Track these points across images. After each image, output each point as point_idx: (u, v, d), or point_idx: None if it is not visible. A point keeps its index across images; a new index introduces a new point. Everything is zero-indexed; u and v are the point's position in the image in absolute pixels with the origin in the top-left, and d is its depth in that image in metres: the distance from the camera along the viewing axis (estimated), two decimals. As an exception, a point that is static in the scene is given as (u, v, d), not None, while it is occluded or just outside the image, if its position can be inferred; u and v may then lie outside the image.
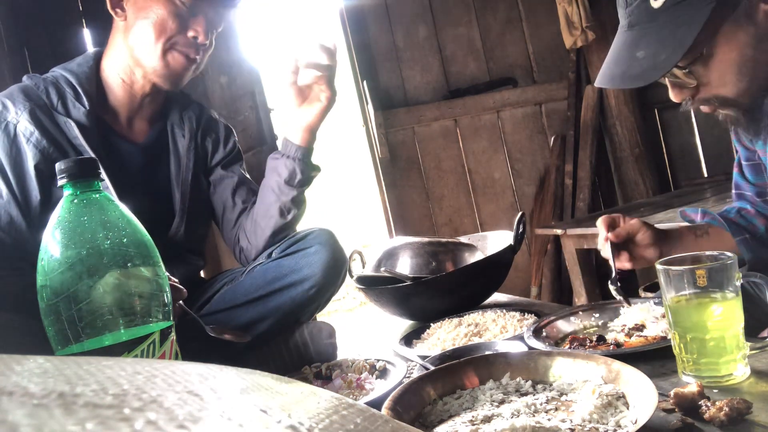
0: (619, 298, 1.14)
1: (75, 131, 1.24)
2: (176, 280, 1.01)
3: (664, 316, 1.03)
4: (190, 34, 1.28)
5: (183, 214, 1.40)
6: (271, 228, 1.39)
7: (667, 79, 0.99)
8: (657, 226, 1.22)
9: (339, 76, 1.34)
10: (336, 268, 1.32)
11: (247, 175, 1.52)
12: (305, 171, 1.36)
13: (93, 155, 1.24)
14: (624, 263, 1.18)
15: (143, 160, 1.38)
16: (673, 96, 1.02)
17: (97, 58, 1.34)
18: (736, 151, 1.23)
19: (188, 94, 1.50)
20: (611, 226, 1.18)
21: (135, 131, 1.38)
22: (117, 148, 1.33)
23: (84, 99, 1.26)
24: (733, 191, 1.28)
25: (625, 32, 1.00)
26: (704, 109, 1.02)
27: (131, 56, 1.29)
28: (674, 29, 0.92)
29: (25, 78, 1.29)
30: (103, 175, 1.24)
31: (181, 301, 1.05)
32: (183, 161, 1.41)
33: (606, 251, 1.18)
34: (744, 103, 0.98)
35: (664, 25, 0.93)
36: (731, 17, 0.91)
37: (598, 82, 1.01)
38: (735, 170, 1.26)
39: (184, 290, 1.01)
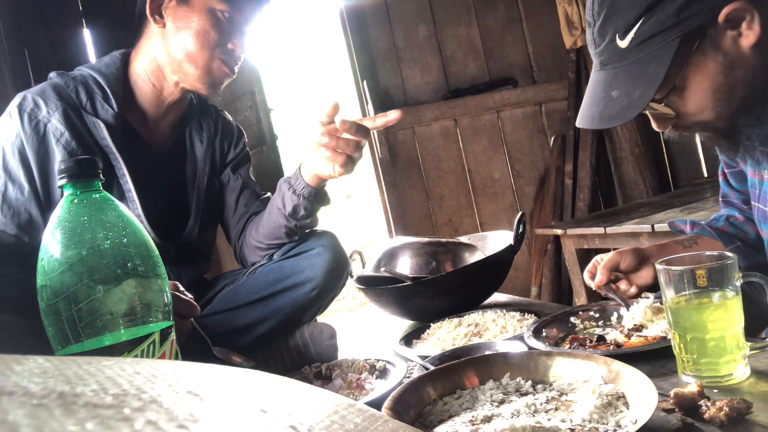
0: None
1: (103, 132, 1.24)
2: (191, 296, 1.01)
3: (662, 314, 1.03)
4: (230, 46, 1.30)
5: (197, 216, 1.40)
6: (276, 245, 1.38)
7: (647, 111, 1.00)
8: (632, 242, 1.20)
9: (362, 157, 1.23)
10: (338, 270, 1.32)
11: (252, 178, 1.52)
12: (309, 208, 1.31)
13: (119, 157, 1.25)
14: (630, 291, 1.17)
15: (163, 162, 1.38)
16: (655, 126, 1.03)
17: (125, 59, 1.34)
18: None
19: (205, 99, 1.50)
20: (593, 274, 1.18)
21: (157, 135, 1.39)
22: (141, 150, 1.33)
23: (112, 100, 1.26)
24: (721, 199, 1.28)
25: (599, 72, 1.01)
26: (686, 133, 1.03)
27: (169, 63, 1.29)
28: (644, 66, 0.94)
29: (53, 75, 1.28)
30: (127, 176, 1.25)
31: (192, 319, 1.04)
32: (199, 165, 1.42)
33: (607, 293, 1.18)
34: (722, 127, 0.99)
35: (634, 64, 0.95)
36: (699, 48, 0.92)
37: (579, 122, 1.03)
38: (720, 178, 1.27)
39: (198, 308, 1.01)
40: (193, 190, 1.41)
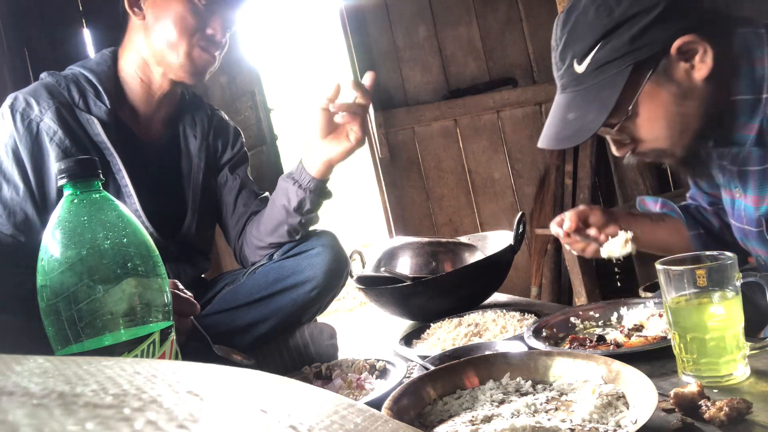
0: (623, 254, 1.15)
1: (98, 128, 1.24)
2: (190, 294, 1.01)
3: (662, 315, 1.03)
4: (209, 31, 1.29)
5: (194, 213, 1.40)
6: (278, 243, 1.38)
7: (608, 136, 1.04)
8: None
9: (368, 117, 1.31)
10: (338, 270, 1.32)
11: (250, 177, 1.52)
12: (314, 201, 1.32)
13: (114, 152, 1.25)
14: (600, 238, 1.19)
15: (158, 159, 1.38)
16: (614, 151, 1.07)
17: (114, 57, 1.34)
18: None
19: (200, 96, 1.50)
20: (561, 224, 1.22)
21: (151, 131, 1.39)
22: (135, 147, 1.33)
23: (105, 97, 1.26)
24: (688, 197, 1.32)
25: (560, 95, 1.06)
26: (648, 159, 1.07)
27: (152, 54, 1.29)
28: (598, 91, 0.98)
29: (44, 75, 1.28)
30: (123, 172, 1.25)
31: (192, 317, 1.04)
32: (194, 161, 1.42)
33: (577, 244, 1.21)
34: (679, 154, 1.02)
35: (590, 89, 0.99)
36: (652, 77, 0.96)
37: (540, 143, 1.07)
38: (690, 179, 1.30)
39: (198, 306, 1.01)
40: (189, 185, 1.41)
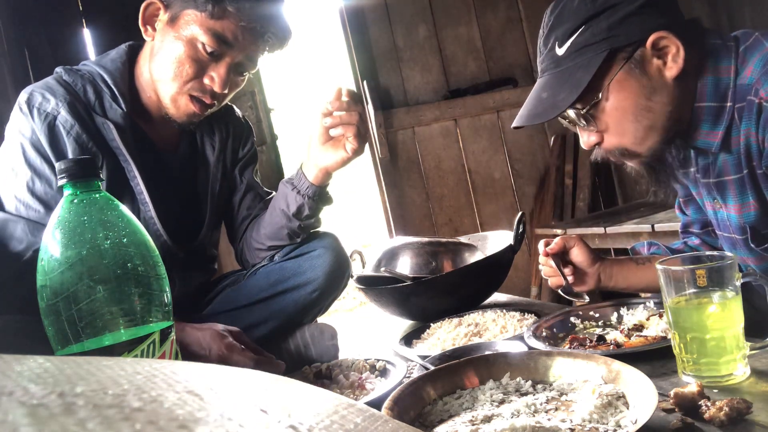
0: (579, 299, 1.25)
1: (113, 133, 1.21)
2: (272, 356, 1.10)
3: (662, 315, 1.03)
4: (206, 81, 1.23)
5: (211, 223, 1.38)
6: (278, 246, 1.37)
7: (578, 127, 1.07)
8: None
9: (367, 131, 1.30)
10: (339, 272, 1.32)
11: (257, 179, 1.50)
12: (313, 207, 1.32)
13: (130, 159, 1.21)
14: (569, 276, 1.24)
15: (174, 167, 1.35)
16: (582, 142, 1.09)
17: (131, 53, 1.29)
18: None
19: None
20: (548, 245, 1.26)
21: (166, 138, 1.34)
22: (151, 154, 1.30)
23: (120, 101, 1.23)
24: (680, 231, 1.33)
25: (539, 79, 1.09)
26: (612, 158, 1.09)
27: (152, 79, 1.26)
28: (573, 73, 1.01)
29: (60, 71, 1.25)
30: (138, 179, 1.22)
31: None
32: (211, 171, 1.38)
33: (548, 268, 1.26)
34: (645, 156, 1.05)
35: (566, 70, 1.02)
36: (625, 66, 0.99)
37: (515, 122, 1.09)
38: (677, 211, 1.32)
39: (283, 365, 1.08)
40: (207, 196, 1.37)
